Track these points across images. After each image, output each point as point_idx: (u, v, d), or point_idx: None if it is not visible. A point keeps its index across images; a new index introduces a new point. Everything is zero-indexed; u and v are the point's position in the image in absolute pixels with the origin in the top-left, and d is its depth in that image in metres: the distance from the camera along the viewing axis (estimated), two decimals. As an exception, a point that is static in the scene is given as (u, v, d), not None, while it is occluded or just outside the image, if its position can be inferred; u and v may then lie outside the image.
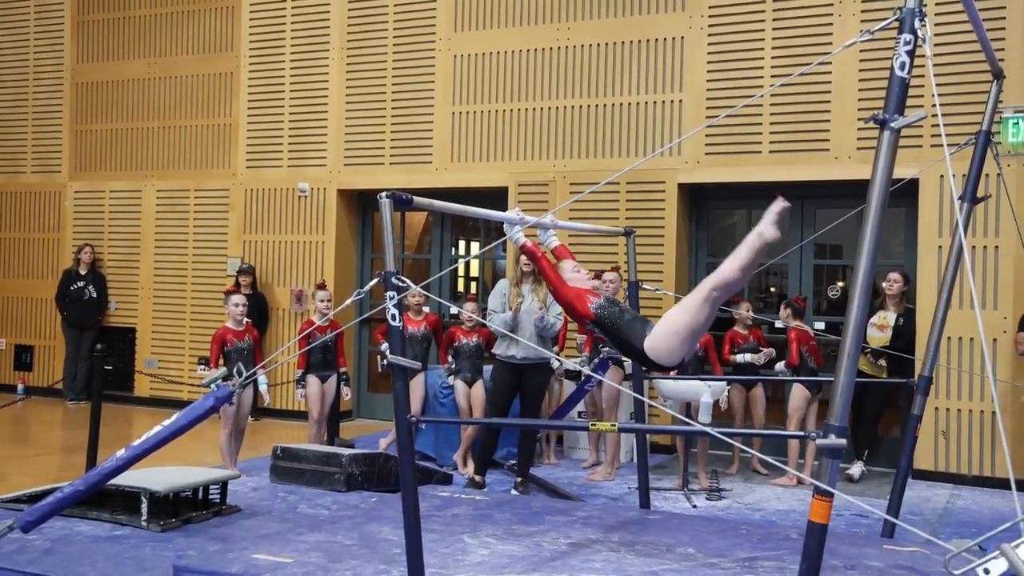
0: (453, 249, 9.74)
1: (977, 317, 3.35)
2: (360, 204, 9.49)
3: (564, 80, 8.28)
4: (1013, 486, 2.85)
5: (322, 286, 7.03)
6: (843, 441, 2.81)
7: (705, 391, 6.00)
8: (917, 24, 2.99)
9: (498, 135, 8.57)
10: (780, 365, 6.80)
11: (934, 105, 3.10)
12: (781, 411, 7.16)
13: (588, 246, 7.97)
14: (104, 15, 10.40)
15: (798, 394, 6.74)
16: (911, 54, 2.95)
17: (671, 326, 3.81)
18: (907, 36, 2.97)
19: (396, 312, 3.38)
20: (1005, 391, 6.68)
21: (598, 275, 6.66)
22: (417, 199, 3.47)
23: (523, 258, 5.97)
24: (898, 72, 2.96)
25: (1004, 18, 6.80)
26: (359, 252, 9.59)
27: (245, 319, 6.48)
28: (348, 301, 3.74)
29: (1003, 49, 6.70)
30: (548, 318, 6.23)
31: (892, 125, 2.93)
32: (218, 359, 6.29)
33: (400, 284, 3.38)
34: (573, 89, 8.24)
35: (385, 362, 5.48)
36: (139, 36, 10.20)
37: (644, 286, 5.67)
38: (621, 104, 8.08)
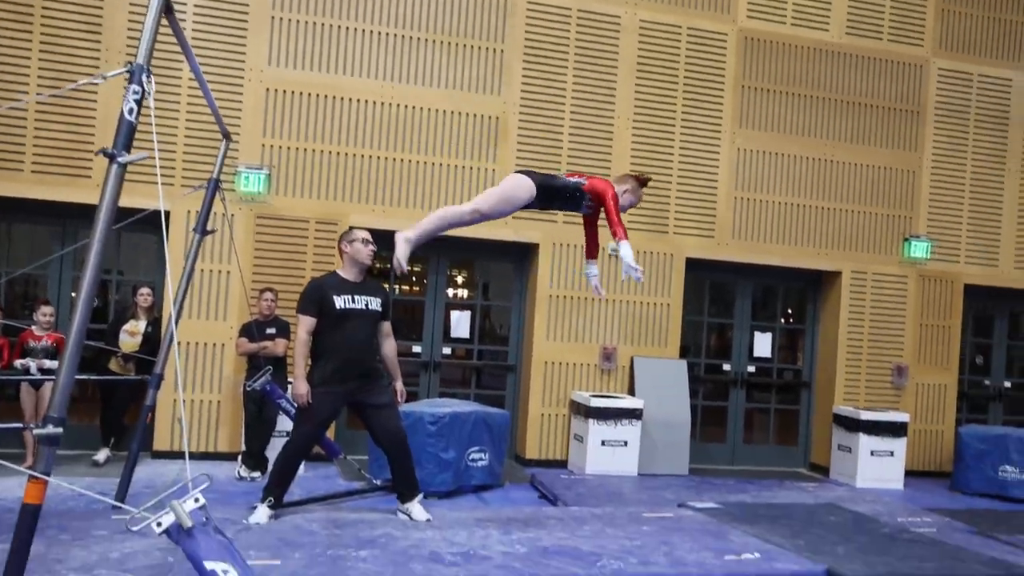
0: None
1: (169, 326, 4.38)
2: None
3: None
4: (187, 456, 3.80)
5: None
6: (60, 430, 3.14)
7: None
8: (144, 79, 3.40)
9: None
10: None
11: (156, 149, 3.59)
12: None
13: None
14: None
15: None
16: (138, 103, 3.37)
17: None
18: (135, 87, 3.37)
19: None
20: (228, 384, 8.34)
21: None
22: None
23: None
24: (127, 116, 3.36)
25: (241, 94, 8.41)
26: None
27: None
28: None
29: (239, 118, 8.34)
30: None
31: (119, 160, 3.33)
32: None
33: None
34: None
35: None
36: None
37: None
38: None
